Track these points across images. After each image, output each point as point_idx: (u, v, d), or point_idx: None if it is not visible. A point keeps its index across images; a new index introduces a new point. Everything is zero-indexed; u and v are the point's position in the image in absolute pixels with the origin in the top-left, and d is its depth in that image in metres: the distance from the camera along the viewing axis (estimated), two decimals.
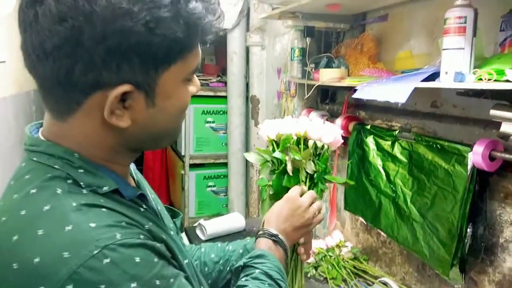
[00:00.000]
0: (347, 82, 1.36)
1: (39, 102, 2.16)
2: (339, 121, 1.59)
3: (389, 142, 1.37)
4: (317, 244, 1.70)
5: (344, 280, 1.52)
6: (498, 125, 0.95)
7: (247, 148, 2.56)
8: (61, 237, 0.46)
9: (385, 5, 1.45)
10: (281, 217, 0.83)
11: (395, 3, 1.41)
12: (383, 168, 1.40)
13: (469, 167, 1.06)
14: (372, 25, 1.57)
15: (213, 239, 1.79)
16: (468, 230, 1.11)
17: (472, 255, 1.14)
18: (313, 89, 1.56)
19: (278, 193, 0.92)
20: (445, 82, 0.97)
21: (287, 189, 0.89)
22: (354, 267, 1.58)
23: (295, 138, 0.94)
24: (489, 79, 0.90)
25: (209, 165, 2.69)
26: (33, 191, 0.51)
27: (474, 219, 1.12)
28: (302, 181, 0.92)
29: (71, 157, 0.54)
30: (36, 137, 0.58)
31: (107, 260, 0.46)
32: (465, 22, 0.93)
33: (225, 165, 2.62)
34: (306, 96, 1.67)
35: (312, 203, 0.87)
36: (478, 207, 1.11)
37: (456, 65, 0.94)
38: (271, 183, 0.94)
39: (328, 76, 1.49)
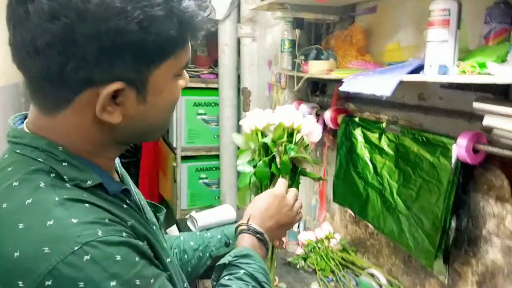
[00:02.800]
0: (334, 75, 1.36)
1: (28, 94, 2.14)
2: (328, 113, 1.59)
3: (377, 135, 1.38)
4: (306, 236, 1.71)
5: (332, 272, 1.53)
6: (482, 117, 0.96)
7: None
8: (42, 231, 0.46)
9: None
10: (268, 214, 0.81)
11: None
12: (371, 160, 1.40)
13: (453, 159, 1.06)
14: (361, 17, 1.56)
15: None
16: (452, 222, 1.12)
17: (456, 247, 1.15)
18: (302, 81, 1.55)
19: (261, 181, 0.91)
20: (429, 75, 0.97)
21: (269, 178, 0.89)
22: (343, 258, 1.59)
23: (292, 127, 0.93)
24: (472, 72, 0.90)
25: (201, 157, 2.68)
26: (16, 183, 0.51)
27: (458, 211, 1.13)
28: (287, 173, 0.91)
29: (55, 150, 0.54)
30: (20, 129, 0.57)
31: (87, 257, 0.45)
32: (449, 15, 0.93)
33: (217, 157, 2.62)
34: (296, 88, 1.67)
35: (295, 200, 0.87)
36: (462, 200, 1.12)
37: (440, 58, 0.94)
38: (253, 171, 0.93)
39: (316, 68, 1.49)
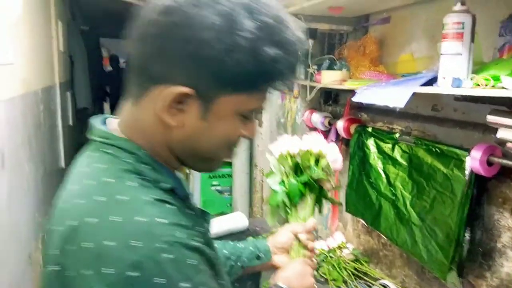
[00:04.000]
0: (347, 85, 1.36)
1: (46, 101, 2.19)
2: (341, 123, 1.59)
3: (390, 145, 1.38)
4: (318, 245, 1.71)
5: (345, 282, 1.53)
6: (496, 130, 0.95)
7: (251, 148, 2.57)
8: (135, 227, 0.50)
9: (387, 7, 1.45)
10: (294, 277, 0.84)
11: (397, 6, 1.41)
12: (384, 170, 1.40)
13: (467, 172, 1.06)
14: (374, 27, 1.57)
15: (216, 238, 1.81)
16: (466, 234, 1.11)
17: (470, 259, 1.14)
18: (314, 90, 1.57)
19: (293, 199, 0.94)
20: (442, 87, 0.97)
21: (300, 196, 0.93)
22: (355, 268, 1.59)
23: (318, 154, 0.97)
24: (486, 85, 0.90)
25: None
26: (111, 180, 0.54)
27: (472, 223, 1.12)
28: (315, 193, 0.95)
29: (140, 153, 0.58)
30: (108, 130, 0.61)
31: (171, 256, 0.49)
32: (463, 28, 0.93)
33: (229, 164, 2.64)
34: (309, 98, 1.68)
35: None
36: (476, 212, 1.12)
37: (454, 71, 0.95)
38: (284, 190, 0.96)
39: (329, 78, 1.50)
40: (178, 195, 0.60)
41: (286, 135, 1.02)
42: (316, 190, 0.94)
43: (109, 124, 0.64)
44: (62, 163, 2.54)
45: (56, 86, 2.48)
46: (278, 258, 0.92)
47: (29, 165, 1.69)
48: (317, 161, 0.96)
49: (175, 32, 0.52)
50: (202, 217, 0.68)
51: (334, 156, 0.97)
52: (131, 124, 0.60)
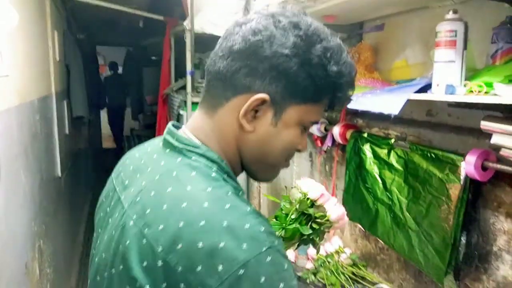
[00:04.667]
0: None
1: (42, 110, 2.19)
2: (337, 128, 1.61)
3: (385, 150, 1.39)
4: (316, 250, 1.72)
5: (343, 286, 1.53)
6: (491, 135, 0.97)
7: None
8: (243, 231, 0.55)
9: (381, 15, 1.47)
10: None
11: (391, 13, 1.43)
12: (380, 176, 1.41)
13: (462, 176, 1.08)
14: (369, 35, 1.59)
15: None
16: (462, 238, 1.12)
17: (466, 263, 1.16)
18: None
19: (290, 237, 0.97)
20: (436, 94, 0.99)
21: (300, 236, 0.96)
22: (353, 273, 1.60)
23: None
24: (479, 92, 0.91)
25: None
26: (209, 189, 0.59)
27: (468, 227, 1.14)
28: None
29: (222, 163, 0.64)
30: (191, 139, 0.66)
31: (269, 258, 0.54)
32: (456, 36, 0.95)
33: None
34: None
35: None
36: (472, 216, 1.13)
37: (447, 78, 0.96)
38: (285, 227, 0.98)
39: None
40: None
41: (309, 179, 1.04)
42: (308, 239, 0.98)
43: (182, 132, 0.68)
44: (59, 172, 2.53)
45: (53, 96, 2.48)
46: None
47: (26, 174, 1.69)
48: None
49: (262, 48, 0.61)
50: None
51: (338, 215, 0.98)
52: (208, 133, 0.66)
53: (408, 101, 1.04)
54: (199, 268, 0.53)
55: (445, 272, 1.13)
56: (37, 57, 2.15)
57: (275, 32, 0.62)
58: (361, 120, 1.63)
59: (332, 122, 1.77)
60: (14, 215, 1.52)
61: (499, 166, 1.00)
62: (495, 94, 0.86)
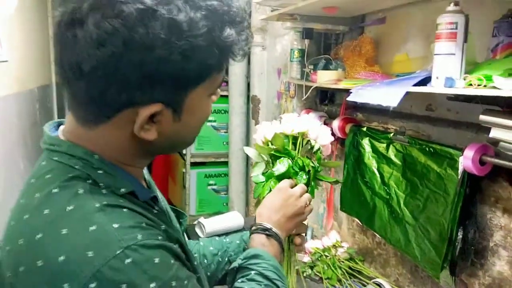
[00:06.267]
0: (342, 85, 1.37)
1: (42, 99, 2.19)
2: (337, 122, 1.60)
3: (384, 145, 1.38)
4: (313, 244, 1.72)
5: (339, 280, 1.53)
6: (489, 129, 0.96)
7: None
8: (85, 237, 0.48)
9: (383, 7, 1.46)
10: (273, 208, 0.83)
11: (393, 6, 1.42)
12: (378, 170, 1.41)
13: (460, 171, 1.07)
14: (370, 28, 1.58)
15: (212, 237, 1.81)
16: (459, 233, 1.12)
17: (463, 258, 1.15)
18: (310, 90, 1.57)
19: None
20: (436, 87, 0.98)
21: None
22: (350, 267, 1.60)
23: (293, 134, 0.96)
24: (478, 85, 0.91)
25: (210, 163, 2.71)
26: (55, 190, 0.52)
27: (465, 222, 1.13)
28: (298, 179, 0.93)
29: (91, 158, 0.56)
30: (56, 136, 0.59)
31: (129, 260, 0.47)
32: (456, 28, 0.94)
33: (225, 164, 2.64)
34: (305, 97, 1.69)
35: (303, 193, 0.88)
36: (469, 211, 1.12)
37: (447, 70, 0.95)
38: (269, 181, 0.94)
39: (325, 78, 1.50)
40: (139, 198, 0.58)
41: (264, 122, 1.00)
42: (305, 172, 0.93)
43: (61, 130, 0.61)
44: None
45: (53, 85, 2.48)
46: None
47: (25, 163, 1.69)
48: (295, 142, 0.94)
49: (123, 59, 0.49)
50: (171, 217, 0.68)
51: (316, 132, 0.94)
52: (83, 137, 0.57)
53: (408, 93, 1.03)
54: None
55: (441, 267, 1.12)
56: (37, 45, 2.14)
57: (126, 35, 0.48)
58: (361, 114, 1.63)
59: (331, 116, 1.76)
60: (13, 203, 1.52)
61: (497, 160, 0.99)
62: (494, 87, 0.85)
